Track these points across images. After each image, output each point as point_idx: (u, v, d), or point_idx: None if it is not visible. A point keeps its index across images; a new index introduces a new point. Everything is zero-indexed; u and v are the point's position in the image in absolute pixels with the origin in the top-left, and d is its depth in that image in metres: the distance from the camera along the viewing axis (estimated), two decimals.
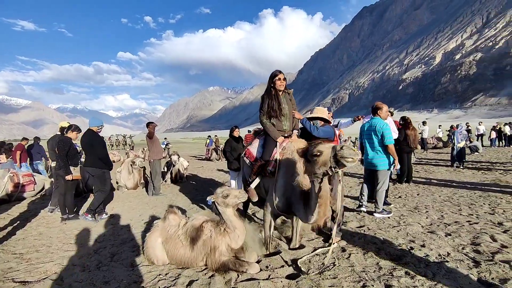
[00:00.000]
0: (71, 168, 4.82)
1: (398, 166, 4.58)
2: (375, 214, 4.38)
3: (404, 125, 6.83)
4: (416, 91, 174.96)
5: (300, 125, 3.55)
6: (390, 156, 4.32)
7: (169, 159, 8.75)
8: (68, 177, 4.77)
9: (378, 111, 4.44)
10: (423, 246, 3.14)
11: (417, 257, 2.87)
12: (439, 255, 2.91)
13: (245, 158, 3.52)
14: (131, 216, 5.03)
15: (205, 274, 2.73)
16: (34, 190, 7.19)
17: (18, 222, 4.91)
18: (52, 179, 6.47)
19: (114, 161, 13.77)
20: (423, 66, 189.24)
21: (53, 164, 5.57)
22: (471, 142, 14.74)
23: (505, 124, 17.74)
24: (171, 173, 8.59)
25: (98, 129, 5.18)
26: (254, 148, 3.45)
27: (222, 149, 15.83)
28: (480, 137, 18.85)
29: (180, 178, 8.82)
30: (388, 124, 4.38)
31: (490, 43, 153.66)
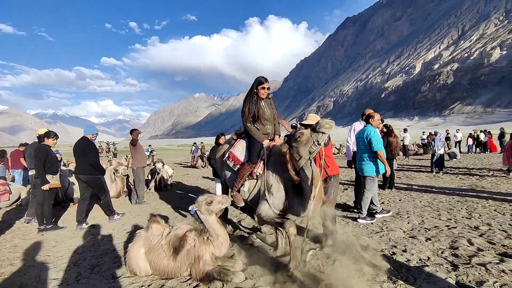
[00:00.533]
0: (50, 176, 4.67)
1: (388, 173, 4.62)
2: (358, 220, 4.45)
3: (387, 132, 7.03)
4: (397, 99, 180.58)
5: (291, 130, 3.55)
6: (379, 163, 4.41)
7: (153, 166, 8.60)
8: (45, 187, 4.61)
9: (370, 119, 4.53)
10: (404, 251, 3.22)
11: (399, 262, 2.93)
12: (420, 259, 2.99)
13: (228, 161, 3.40)
14: (113, 226, 4.89)
15: (189, 284, 2.69)
16: (9, 199, 6.89)
17: None
18: (29, 188, 6.23)
19: None
20: (404, 75, 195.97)
21: (31, 172, 5.36)
22: (449, 148, 15.32)
23: (481, 131, 18.54)
24: (155, 181, 8.43)
25: (92, 137, 5.20)
26: (238, 151, 3.36)
27: (207, 156, 15.70)
28: (458, 144, 19.63)
29: (165, 186, 8.66)
30: (376, 131, 4.47)
31: (466, 54, 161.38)
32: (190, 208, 2.83)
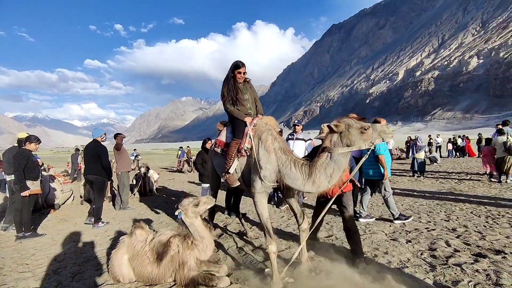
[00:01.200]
0: (30, 182, 4.56)
1: (386, 177, 4.61)
2: (395, 221, 4.57)
3: None
4: (381, 104, 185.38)
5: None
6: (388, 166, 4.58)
7: (138, 171, 8.47)
8: (24, 193, 4.49)
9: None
10: (386, 253, 3.31)
11: (380, 264, 3.02)
12: (400, 261, 3.09)
13: (216, 149, 3.38)
14: (96, 232, 4.78)
15: None
16: None
17: None
18: (6, 195, 6.00)
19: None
20: (387, 82, 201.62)
21: (9, 178, 5.18)
22: (430, 153, 15.83)
23: (458, 136, 19.26)
24: (140, 186, 8.30)
25: (102, 138, 5.50)
26: (223, 136, 3.36)
27: (194, 161, 15.58)
28: (438, 149, 20.31)
29: (150, 191, 8.54)
30: None
31: (446, 62, 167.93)
32: (176, 213, 2.81)
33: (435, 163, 14.13)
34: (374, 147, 3.49)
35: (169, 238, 2.85)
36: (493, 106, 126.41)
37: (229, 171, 3.04)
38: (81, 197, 7.47)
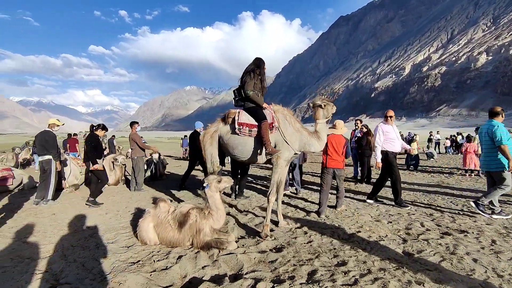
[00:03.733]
0: (96, 160, 5.75)
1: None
2: (493, 216, 4.46)
3: (366, 132, 7.80)
4: (387, 99, 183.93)
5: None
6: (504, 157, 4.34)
7: (149, 157, 9.11)
8: (93, 167, 5.73)
9: (495, 116, 4.57)
10: (368, 230, 3.93)
11: (361, 238, 3.63)
12: (379, 236, 3.69)
13: (243, 129, 3.94)
14: (118, 208, 5.44)
15: (192, 250, 3.30)
16: (12, 184, 7.29)
17: (5, 213, 5.13)
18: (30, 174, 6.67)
19: None
20: (393, 76, 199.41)
21: (40, 158, 5.82)
22: (428, 149, 16.32)
23: (458, 133, 19.68)
24: (151, 171, 8.95)
25: (200, 130, 6.94)
26: (246, 119, 3.97)
27: None
28: (437, 145, 20.77)
29: (160, 176, 9.20)
30: (502, 126, 4.43)
31: (454, 58, 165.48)
32: (204, 185, 3.47)
33: (432, 159, 14.65)
34: (497, 137, 4.34)
35: (188, 209, 3.47)
36: (500, 104, 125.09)
37: (270, 144, 3.83)
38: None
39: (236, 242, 3.48)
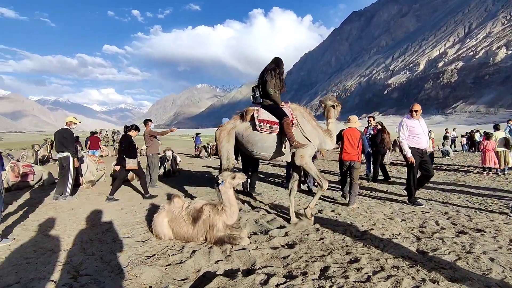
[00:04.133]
0: (130, 160, 5.96)
1: None
2: (510, 214, 4.41)
3: (381, 129, 7.68)
4: (400, 96, 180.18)
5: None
6: None
7: (163, 154, 9.27)
8: (129, 166, 5.97)
9: None
10: (381, 228, 3.90)
11: (374, 235, 3.61)
12: (392, 234, 3.66)
13: (264, 126, 4.07)
14: (133, 204, 5.59)
15: (205, 245, 3.37)
16: (33, 180, 7.57)
17: (27, 207, 5.35)
18: (48, 170, 6.90)
19: (102, 156, 14.25)
20: (407, 72, 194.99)
21: (59, 155, 6.01)
22: (443, 146, 15.93)
23: (476, 131, 19.11)
24: (165, 168, 9.12)
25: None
26: (267, 116, 4.11)
27: (211, 147, 16.33)
28: (453, 142, 20.23)
29: (173, 173, 9.36)
30: None
31: (471, 53, 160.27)
32: (220, 181, 3.54)
33: (447, 157, 14.30)
34: None
35: (202, 205, 3.54)
36: None
37: (295, 138, 4.00)
38: (111, 175, 8.41)
39: (249, 238, 3.53)
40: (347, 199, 5.18)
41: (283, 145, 4.14)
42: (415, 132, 5.15)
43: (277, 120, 4.05)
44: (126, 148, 5.97)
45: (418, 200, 5.22)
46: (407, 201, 5.30)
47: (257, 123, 4.07)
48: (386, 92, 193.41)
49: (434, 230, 3.76)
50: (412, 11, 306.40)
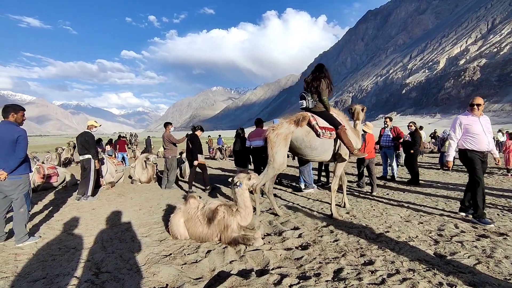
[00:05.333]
0: (199, 155, 6.94)
1: None
2: None
3: (416, 130, 7.50)
4: (419, 95, 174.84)
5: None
6: None
7: (179, 156, 9.46)
8: (196, 162, 6.87)
9: None
10: (397, 231, 3.83)
11: (390, 238, 3.55)
12: (409, 237, 3.59)
13: (325, 133, 4.34)
14: (150, 205, 5.75)
15: (220, 246, 3.43)
16: (57, 181, 7.92)
17: (51, 207, 5.63)
18: (71, 172, 7.19)
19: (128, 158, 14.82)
20: (426, 71, 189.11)
21: (81, 157, 6.27)
22: None
23: (498, 130, 18.28)
24: (181, 169, 9.30)
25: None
26: (324, 123, 4.38)
27: (226, 149, 16.51)
28: None
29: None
30: None
31: (495, 49, 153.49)
32: (238, 183, 3.63)
33: None
34: None
35: (217, 206, 3.61)
36: None
37: (353, 146, 4.48)
38: (129, 177, 8.65)
39: (263, 239, 3.56)
40: (364, 189, 6.77)
41: (335, 148, 4.58)
42: (471, 131, 4.25)
43: (333, 127, 4.39)
44: (198, 145, 6.93)
45: (486, 217, 4.13)
46: (471, 216, 4.37)
47: (318, 130, 4.32)
48: (404, 91, 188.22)
49: (453, 233, 3.65)
50: (431, 8, 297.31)
